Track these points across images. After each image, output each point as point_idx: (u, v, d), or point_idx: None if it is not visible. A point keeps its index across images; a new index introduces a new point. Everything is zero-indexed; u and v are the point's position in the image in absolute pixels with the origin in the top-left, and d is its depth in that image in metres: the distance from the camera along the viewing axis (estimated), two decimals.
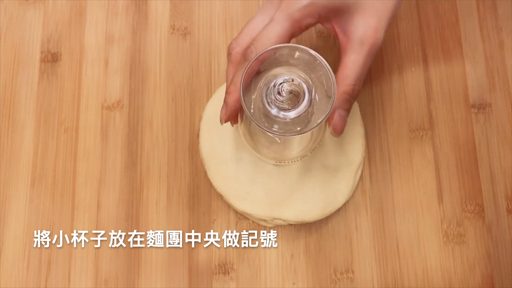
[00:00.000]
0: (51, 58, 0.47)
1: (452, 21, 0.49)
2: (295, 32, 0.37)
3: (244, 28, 0.38)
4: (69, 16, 0.48)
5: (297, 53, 0.34)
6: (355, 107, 0.45)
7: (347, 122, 0.44)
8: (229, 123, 0.38)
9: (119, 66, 0.47)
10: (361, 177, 0.44)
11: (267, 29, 0.36)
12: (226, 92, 0.36)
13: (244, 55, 0.36)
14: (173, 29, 0.48)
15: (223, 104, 0.37)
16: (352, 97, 0.37)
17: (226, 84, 0.37)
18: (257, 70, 0.34)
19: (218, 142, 0.43)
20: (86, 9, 0.48)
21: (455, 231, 0.44)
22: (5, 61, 0.47)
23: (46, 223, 0.43)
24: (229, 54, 0.38)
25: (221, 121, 0.38)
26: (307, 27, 0.37)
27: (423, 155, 0.45)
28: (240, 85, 0.33)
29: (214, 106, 0.45)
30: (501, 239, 0.44)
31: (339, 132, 0.38)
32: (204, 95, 0.46)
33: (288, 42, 0.36)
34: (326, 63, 0.32)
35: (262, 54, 0.33)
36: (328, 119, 0.38)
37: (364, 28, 0.36)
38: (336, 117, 0.37)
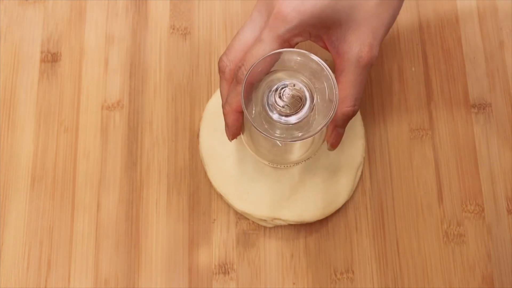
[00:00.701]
0: (51, 58, 0.47)
1: (452, 21, 0.49)
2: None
3: (234, 41, 0.37)
4: (69, 16, 0.48)
5: (299, 59, 0.33)
6: None
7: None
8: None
9: (119, 66, 0.47)
10: (361, 177, 0.44)
11: (256, 49, 0.35)
12: (224, 114, 0.37)
13: (236, 77, 0.35)
14: (173, 29, 0.48)
15: (225, 124, 0.38)
16: (351, 117, 0.37)
17: (222, 103, 0.37)
18: (253, 82, 0.33)
19: (218, 142, 0.43)
20: (86, 9, 0.48)
21: (455, 231, 0.44)
22: (5, 61, 0.47)
23: (46, 223, 0.43)
24: (221, 71, 0.37)
25: (229, 138, 0.38)
26: (296, 43, 0.36)
27: (423, 155, 0.45)
28: (242, 87, 0.32)
29: (214, 106, 0.45)
30: (501, 239, 0.44)
31: (335, 147, 0.38)
32: (204, 95, 0.46)
33: (277, 59, 0.35)
34: (331, 72, 0.32)
35: (255, 69, 0.33)
36: (326, 135, 0.38)
37: (359, 47, 0.35)
38: (335, 135, 0.37)
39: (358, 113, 0.45)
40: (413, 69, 0.47)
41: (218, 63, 0.38)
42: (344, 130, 0.38)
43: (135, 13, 0.48)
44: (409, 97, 0.47)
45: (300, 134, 0.33)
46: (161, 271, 0.43)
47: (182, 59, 0.47)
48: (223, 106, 0.37)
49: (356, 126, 0.44)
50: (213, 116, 0.44)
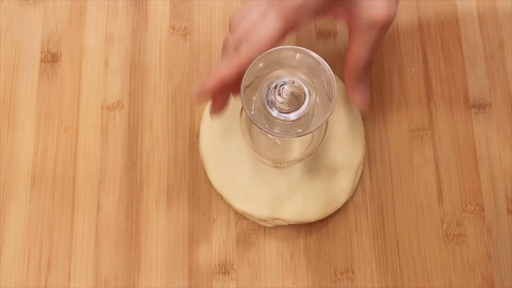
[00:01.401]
0: (51, 58, 0.47)
1: (452, 21, 0.49)
2: (289, 31, 0.35)
3: (239, 20, 0.36)
4: (69, 16, 0.48)
5: (298, 55, 0.34)
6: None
7: (347, 121, 0.44)
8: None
9: (119, 66, 0.47)
10: (361, 177, 0.44)
11: (260, 27, 0.34)
12: (205, 80, 0.35)
13: (237, 49, 0.34)
14: (173, 29, 0.48)
15: (197, 85, 0.36)
16: (367, 75, 0.36)
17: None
18: (254, 68, 0.33)
19: (218, 142, 0.43)
20: (86, 9, 0.48)
21: (455, 231, 0.44)
22: (5, 61, 0.47)
23: (46, 223, 0.43)
24: (224, 50, 0.36)
25: (192, 93, 0.37)
26: (302, 24, 0.35)
27: (423, 155, 0.45)
28: (242, 84, 0.32)
29: None
30: (501, 239, 0.44)
31: (364, 106, 0.37)
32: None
33: (281, 41, 0.35)
34: (327, 66, 0.32)
35: (253, 67, 0.33)
36: (349, 97, 0.37)
37: (373, 5, 0.33)
38: (357, 92, 0.36)
39: (358, 114, 0.45)
40: (413, 69, 0.47)
41: (223, 42, 0.36)
42: (367, 87, 0.36)
43: (135, 13, 0.48)
44: (409, 97, 0.47)
45: (299, 131, 0.33)
46: (161, 271, 0.43)
47: (182, 59, 0.47)
48: (208, 74, 0.36)
49: (356, 126, 0.44)
50: None
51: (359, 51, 0.35)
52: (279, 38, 0.34)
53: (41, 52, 0.47)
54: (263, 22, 0.34)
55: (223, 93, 0.36)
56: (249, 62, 0.33)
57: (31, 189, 0.44)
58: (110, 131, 0.46)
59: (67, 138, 0.45)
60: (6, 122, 0.46)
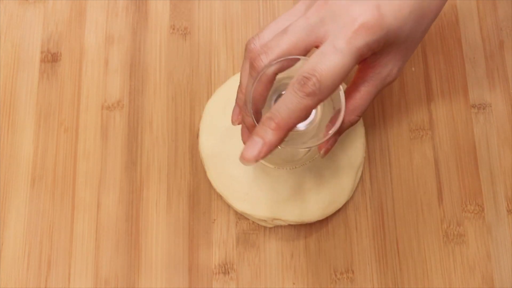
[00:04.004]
0: (51, 58, 0.47)
1: (452, 21, 0.49)
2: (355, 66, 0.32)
3: (270, 27, 0.34)
4: (69, 16, 0.48)
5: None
6: None
7: None
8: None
9: (119, 66, 0.47)
10: (361, 177, 0.44)
11: (330, 60, 0.30)
12: (238, 92, 0.35)
13: (305, 87, 0.30)
14: (173, 29, 0.48)
15: (235, 105, 0.36)
16: (351, 126, 0.36)
17: (240, 83, 0.35)
18: (272, 80, 0.32)
19: (218, 142, 0.43)
20: (86, 9, 0.48)
21: (455, 231, 0.44)
22: (5, 61, 0.47)
23: (46, 223, 0.43)
24: (248, 51, 0.34)
25: (233, 122, 0.36)
26: (366, 58, 0.33)
27: (423, 155, 0.45)
28: (249, 95, 0.31)
29: (214, 106, 0.45)
30: (501, 239, 0.44)
31: (327, 154, 0.36)
32: (204, 95, 0.46)
33: (347, 75, 0.31)
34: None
35: (274, 65, 0.31)
36: (323, 142, 0.35)
37: (392, 66, 0.34)
38: (331, 142, 0.36)
39: None
40: (413, 69, 0.47)
41: (247, 44, 0.34)
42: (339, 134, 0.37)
43: (135, 13, 0.48)
44: (409, 97, 0.47)
45: (307, 140, 0.33)
46: (161, 271, 0.43)
47: (182, 59, 0.47)
48: (239, 87, 0.35)
49: (356, 126, 0.44)
50: (213, 116, 0.44)
51: (364, 98, 0.35)
52: (347, 73, 0.31)
53: (41, 52, 0.47)
54: (332, 56, 0.30)
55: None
56: (320, 102, 0.30)
57: (31, 189, 0.44)
58: (110, 131, 0.46)
59: (67, 138, 0.45)
60: (6, 122, 0.46)
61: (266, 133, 0.30)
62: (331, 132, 0.32)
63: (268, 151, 0.30)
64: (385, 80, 0.35)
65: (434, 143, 0.46)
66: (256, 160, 0.30)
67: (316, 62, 0.30)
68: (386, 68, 0.34)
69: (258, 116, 0.33)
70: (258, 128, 0.30)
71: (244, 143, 0.36)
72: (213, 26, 0.48)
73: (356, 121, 0.36)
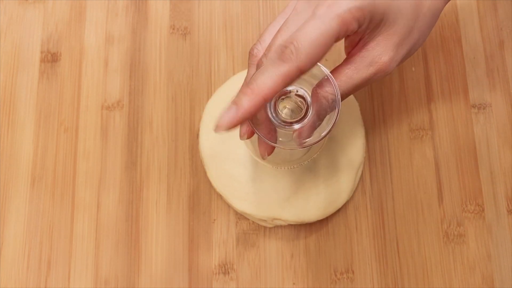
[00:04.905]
0: (51, 58, 0.47)
1: (452, 21, 0.49)
2: (340, 37, 0.30)
3: (270, 28, 0.33)
4: (69, 16, 0.48)
5: None
6: (355, 107, 0.45)
7: (347, 122, 0.44)
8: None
9: (119, 66, 0.47)
10: (361, 177, 0.44)
11: (309, 26, 0.29)
12: (242, 93, 0.29)
13: (283, 55, 0.29)
14: (173, 29, 0.48)
15: (230, 107, 0.29)
16: (327, 107, 0.32)
17: (243, 85, 0.32)
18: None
19: (218, 142, 0.43)
20: (86, 9, 0.48)
21: (455, 231, 0.44)
22: (5, 61, 0.47)
23: (46, 223, 0.43)
24: (252, 56, 0.33)
25: (218, 128, 0.29)
26: (352, 31, 0.31)
27: (423, 155, 0.45)
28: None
29: (214, 106, 0.45)
30: (501, 239, 0.44)
31: (300, 139, 0.33)
32: (204, 95, 0.46)
33: (332, 45, 0.30)
34: (332, 77, 0.32)
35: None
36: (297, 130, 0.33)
37: (381, 51, 0.32)
38: (307, 129, 0.33)
39: (358, 113, 0.45)
40: (413, 69, 0.47)
41: (250, 51, 0.33)
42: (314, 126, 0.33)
43: (135, 13, 0.48)
44: (409, 97, 0.47)
45: (303, 142, 0.33)
46: (161, 271, 0.43)
47: (182, 59, 0.47)
48: (243, 87, 0.30)
49: (356, 126, 0.44)
50: (213, 116, 0.44)
51: (342, 79, 0.33)
52: (331, 42, 0.29)
53: (41, 52, 0.47)
54: (311, 22, 0.29)
55: (258, 106, 0.29)
56: (299, 71, 0.28)
57: (31, 189, 0.44)
58: (110, 131, 0.46)
59: (67, 138, 0.45)
60: (6, 122, 0.46)
61: (241, 99, 0.29)
62: (328, 128, 0.31)
63: (242, 119, 0.29)
64: (371, 66, 0.32)
65: (434, 143, 0.46)
66: (229, 128, 0.29)
67: (295, 32, 0.29)
68: (373, 52, 0.32)
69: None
70: (235, 96, 0.29)
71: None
72: (213, 26, 0.48)
73: (329, 101, 0.32)
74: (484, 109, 0.47)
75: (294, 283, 0.43)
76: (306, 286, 0.42)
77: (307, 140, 0.32)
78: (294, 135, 0.33)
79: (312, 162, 0.43)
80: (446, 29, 0.48)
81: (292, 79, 0.29)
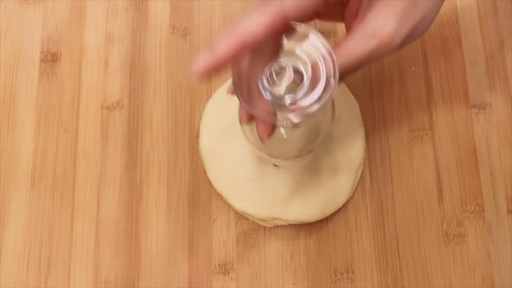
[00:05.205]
0: (51, 58, 0.47)
1: (452, 21, 0.49)
2: (318, 8, 0.28)
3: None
4: (69, 16, 0.48)
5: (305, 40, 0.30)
6: (355, 107, 0.45)
7: (347, 122, 0.44)
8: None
9: (119, 66, 0.47)
10: (361, 177, 0.44)
11: None
12: (220, 36, 0.27)
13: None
14: (173, 29, 0.48)
15: (206, 50, 0.27)
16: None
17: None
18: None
19: (218, 142, 0.43)
20: (86, 9, 0.48)
21: (455, 231, 0.44)
22: (5, 61, 0.47)
23: (46, 223, 0.43)
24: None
25: (195, 73, 0.28)
26: (316, 4, 0.28)
27: (423, 155, 0.45)
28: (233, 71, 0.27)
29: (214, 106, 0.45)
30: (501, 239, 0.44)
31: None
32: (204, 95, 0.46)
33: (312, 15, 0.28)
34: (332, 50, 0.30)
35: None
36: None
37: (382, 23, 0.29)
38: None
39: (358, 113, 0.45)
40: (413, 69, 0.47)
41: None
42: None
43: (135, 13, 0.48)
44: (409, 97, 0.47)
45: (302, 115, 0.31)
46: (161, 271, 0.43)
47: (182, 59, 0.47)
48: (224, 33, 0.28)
49: (356, 126, 0.44)
50: (213, 116, 0.44)
51: (342, 53, 0.30)
52: (312, 8, 0.27)
53: (41, 52, 0.47)
54: None
55: (238, 49, 0.26)
56: (283, 17, 0.26)
57: (31, 189, 0.44)
58: (110, 131, 0.46)
59: (67, 138, 0.45)
60: (6, 122, 0.46)
61: (217, 42, 0.27)
62: (325, 97, 0.28)
63: (218, 63, 0.27)
64: (374, 38, 0.29)
65: (434, 143, 0.46)
66: (206, 73, 0.27)
67: None
68: (374, 23, 0.29)
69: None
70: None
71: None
72: (213, 26, 0.48)
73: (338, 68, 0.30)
74: (484, 109, 0.47)
75: (294, 283, 0.43)
76: (306, 286, 0.42)
77: (304, 110, 0.30)
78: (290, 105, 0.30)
79: (312, 162, 0.43)
80: (446, 29, 0.48)
81: (276, 25, 0.26)
